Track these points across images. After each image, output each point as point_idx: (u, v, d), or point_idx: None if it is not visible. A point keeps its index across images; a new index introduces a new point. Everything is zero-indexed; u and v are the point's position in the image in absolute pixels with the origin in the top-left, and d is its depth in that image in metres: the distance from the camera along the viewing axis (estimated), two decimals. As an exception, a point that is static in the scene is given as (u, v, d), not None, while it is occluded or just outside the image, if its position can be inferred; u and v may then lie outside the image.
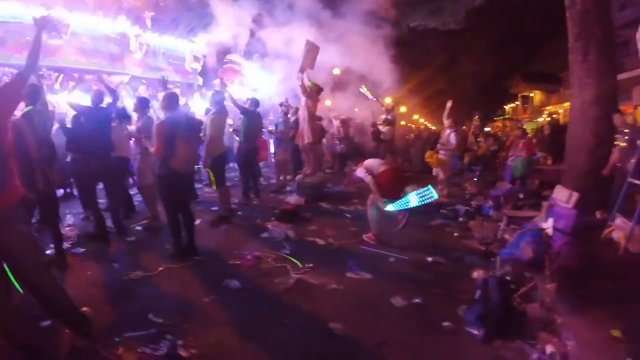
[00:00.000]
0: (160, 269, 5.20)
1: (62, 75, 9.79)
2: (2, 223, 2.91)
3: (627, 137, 6.46)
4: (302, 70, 9.37)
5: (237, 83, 11.94)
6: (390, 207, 6.17)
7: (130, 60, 12.74)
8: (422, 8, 19.99)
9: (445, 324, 3.87)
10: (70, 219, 7.58)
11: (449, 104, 10.54)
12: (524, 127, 13.23)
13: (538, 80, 36.04)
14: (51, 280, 3.33)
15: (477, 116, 17.20)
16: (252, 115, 8.52)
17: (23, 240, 3.09)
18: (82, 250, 5.92)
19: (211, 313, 4.15)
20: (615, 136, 6.76)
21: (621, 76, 6.38)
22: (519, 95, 42.22)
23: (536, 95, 39.14)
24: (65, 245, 5.81)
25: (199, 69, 15.70)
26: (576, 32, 7.17)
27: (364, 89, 10.17)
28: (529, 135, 11.58)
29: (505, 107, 46.77)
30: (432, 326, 3.87)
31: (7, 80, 3.12)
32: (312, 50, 9.64)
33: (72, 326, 3.39)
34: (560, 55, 8.01)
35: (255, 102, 8.88)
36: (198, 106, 12.12)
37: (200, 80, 15.95)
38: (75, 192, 8.65)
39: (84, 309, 3.55)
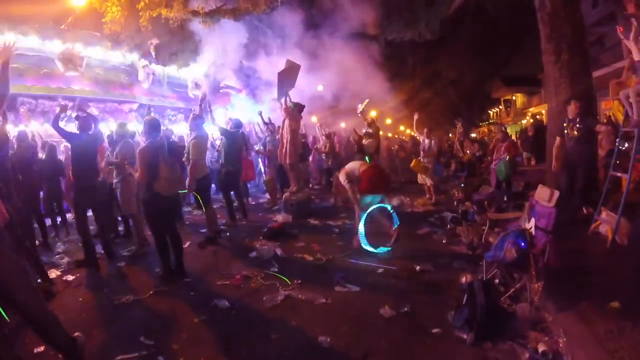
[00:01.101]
0: (151, 292, 5.22)
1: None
2: None
3: (578, 126, 6.43)
4: (283, 93, 9.46)
5: (231, 107, 12.14)
6: (371, 202, 6.36)
7: (138, 89, 13.45)
8: (398, 20, 20.22)
9: (434, 330, 3.87)
10: (61, 246, 7.58)
11: (415, 116, 11.29)
12: (507, 130, 13.35)
13: (518, 83, 36.53)
14: (42, 307, 3.32)
15: (460, 123, 17.34)
16: (232, 136, 8.52)
17: (11, 265, 3.09)
18: (73, 277, 5.93)
19: (201, 332, 4.16)
20: (565, 126, 6.69)
21: (598, 73, 6.44)
22: (501, 99, 42.72)
23: (518, 98, 39.65)
24: (56, 272, 5.97)
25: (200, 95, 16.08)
26: (547, 34, 7.30)
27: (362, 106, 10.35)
28: (511, 138, 11.71)
29: (489, 112, 47.25)
30: (420, 333, 3.87)
31: None
32: (292, 68, 9.70)
33: (65, 351, 3.39)
34: (537, 57, 8.13)
35: (237, 124, 8.91)
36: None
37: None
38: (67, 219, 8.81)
39: (76, 334, 3.56)
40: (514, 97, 40.42)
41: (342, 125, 16.99)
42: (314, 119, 13.72)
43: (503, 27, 22.60)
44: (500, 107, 44.11)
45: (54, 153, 8.26)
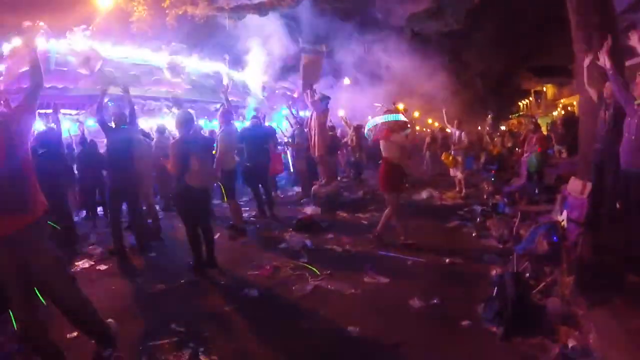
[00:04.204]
0: (182, 281, 5.35)
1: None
2: (27, 240, 3.01)
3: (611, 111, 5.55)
4: (308, 86, 9.48)
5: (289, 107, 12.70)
6: None
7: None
8: (422, 12, 20.03)
9: (464, 323, 3.86)
10: (93, 237, 7.81)
11: (443, 112, 11.18)
12: (538, 122, 13.08)
13: (548, 74, 35.44)
14: (77, 293, 3.42)
15: (489, 115, 17.09)
16: (250, 132, 8.62)
17: (48, 255, 3.20)
18: (106, 266, 6.15)
19: (231, 321, 4.26)
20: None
21: (631, 62, 6.16)
22: (532, 90, 41.72)
23: (548, 89, 38.61)
24: (90, 262, 6.24)
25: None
26: (577, 21, 7.10)
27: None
28: (542, 130, 11.48)
29: (519, 104, 46.28)
30: (450, 326, 3.87)
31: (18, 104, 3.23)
32: (314, 62, 9.74)
33: (97, 337, 3.50)
34: (567, 46, 7.92)
35: (257, 118, 9.02)
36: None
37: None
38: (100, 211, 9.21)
39: (109, 320, 3.67)
40: (544, 89, 39.42)
41: (369, 118, 17.00)
42: (341, 112, 13.73)
43: (530, 16, 22.04)
44: (531, 98, 43.09)
45: (94, 146, 8.66)
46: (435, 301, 4.33)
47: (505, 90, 38.20)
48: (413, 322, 4.01)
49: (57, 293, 3.24)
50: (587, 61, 5.57)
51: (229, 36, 17.12)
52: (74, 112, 11.63)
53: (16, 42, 10.23)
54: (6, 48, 10.50)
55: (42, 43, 10.11)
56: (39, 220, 3.12)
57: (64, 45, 11.20)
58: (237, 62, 17.53)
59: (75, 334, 3.82)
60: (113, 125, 6.59)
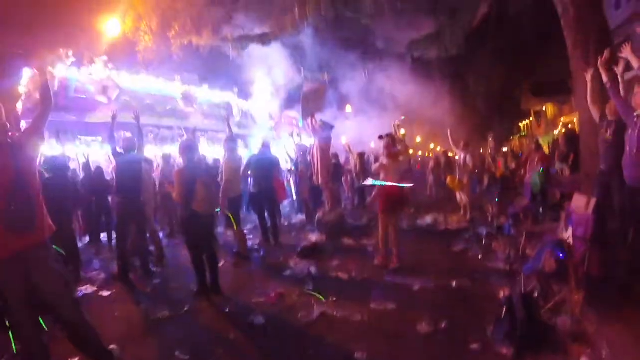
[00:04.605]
0: (186, 308, 5.33)
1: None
2: (35, 260, 3.05)
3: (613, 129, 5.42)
4: (310, 114, 9.57)
5: (293, 135, 12.86)
6: None
7: (232, 121, 15.41)
8: (422, 38, 20.33)
9: (474, 345, 3.81)
10: (97, 263, 7.88)
11: (448, 133, 10.92)
12: (539, 141, 13.09)
13: (547, 93, 35.63)
14: (81, 318, 3.43)
15: (491, 137, 17.10)
16: (259, 158, 8.66)
17: (55, 277, 3.22)
18: (110, 292, 6.18)
19: (237, 348, 4.24)
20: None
21: (629, 75, 6.12)
22: (532, 110, 41.89)
23: (548, 108, 38.73)
24: (93, 287, 6.29)
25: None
26: (573, 39, 7.20)
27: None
28: (544, 149, 11.46)
29: (519, 124, 46.42)
30: (460, 349, 3.83)
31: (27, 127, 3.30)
32: (315, 90, 9.88)
33: None
34: (564, 63, 7.99)
35: (265, 145, 9.02)
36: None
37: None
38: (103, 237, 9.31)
39: (112, 346, 3.68)
40: (544, 108, 39.57)
41: (372, 145, 17.10)
42: (343, 140, 13.81)
43: (527, 35, 22.32)
44: (531, 118, 43.27)
45: (101, 172, 8.89)
46: (443, 325, 4.27)
47: (506, 112, 38.36)
48: (422, 346, 3.96)
49: (62, 314, 3.27)
50: (589, 77, 5.58)
51: (236, 67, 17.54)
52: (90, 138, 11.93)
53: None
54: (27, 73, 10.79)
55: (64, 71, 10.75)
56: (45, 241, 3.17)
57: (84, 73, 11.70)
58: (244, 91, 18.04)
59: (77, 358, 3.79)
60: (122, 151, 6.71)
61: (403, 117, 10.76)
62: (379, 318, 4.67)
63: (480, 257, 6.78)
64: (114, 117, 6.79)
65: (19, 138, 3.16)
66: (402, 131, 16.25)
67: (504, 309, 3.90)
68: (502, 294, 4.75)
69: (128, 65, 13.96)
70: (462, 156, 10.46)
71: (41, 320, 3.19)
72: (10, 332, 3.36)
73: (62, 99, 10.84)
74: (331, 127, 9.94)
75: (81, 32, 13.66)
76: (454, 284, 5.51)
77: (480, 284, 5.50)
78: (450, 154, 13.32)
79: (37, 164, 3.36)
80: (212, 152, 12.08)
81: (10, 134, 3.16)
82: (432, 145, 33.25)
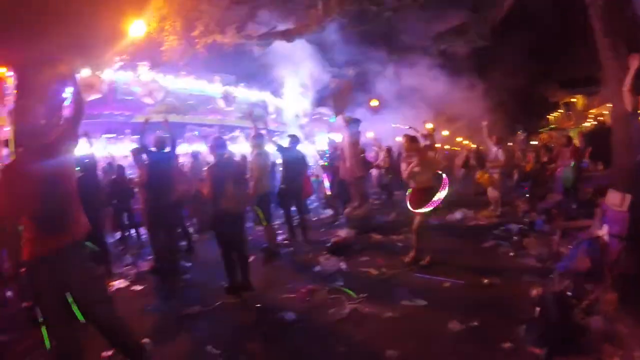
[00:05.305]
0: (217, 303, 5.42)
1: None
2: (70, 259, 3.15)
3: None
4: (339, 110, 9.59)
5: (324, 131, 13.11)
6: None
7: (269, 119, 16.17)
8: (448, 30, 20.08)
9: (506, 345, 3.78)
10: (128, 258, 8.11)
11: (484, 124, 10.54)
12: (570, 134, 12.82)
13: (577, 85, 34.75)
14: (114, 313, 3.54)
15: (520, 131, 16.83)
16: (289, 153, 8.67)
17: (89, 275, 3.34)
18: (141, 287, 6.38)
19: (268, 345, 4.30)
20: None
21: None
22: (560, 102, 40.91)
23: (578, 100, 37.70)
24: (125, 282, 6.52)
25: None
26: (602, 29, 6.99)
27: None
28: (575, 143, 11.19)
29: (548, 117, 45.40)
30: (491, 348, 3.80)
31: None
32: (342, 86, 9.88)
33: (133, 356, 3.57)
34: (593, 55, 7.79)
35: (295, 140, 9.04)
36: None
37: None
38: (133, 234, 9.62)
39: (144, 340, 3.76)
40: (573, 100, 38.61)
41: (397, 139, 17.06)
42: (370, 134, 13.76)
43: (554, 25, 21.80)
44: (560, 110, 42.26)
45: (122, 172, 9.08)
46: (475, 323, 4.25)
47: (534, 104, 37.59)
48: (453, 345, 3.95)
49: (95, 311, 3.34)
50: (635, 62, 5.27)
51: (268, 66, 17.69)
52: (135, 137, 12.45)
53: (85, 72, 11.12)
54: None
55: (111, 74, 11.47)
56: (80, 239, 3.26)
57: (130, 77, 12.45)
58: (276, 90, 18.37)
59: (110, 352, 3.95)
60: (154, 149, 6.87)
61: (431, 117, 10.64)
62: (409, 315, 4.67)
63: (511, 254, 6.68)
64: (147, 122, 7.05)
65: (53, 140, 3.24)
66: (430, 125, 16.16)
67: (537, 309, 3.86)
68: (534, 293, 4.68)
69: (171, 69, 14.48)
70: (494, 150, 10.26)
71: (76, 314, 3.28)
72: (43, 328, 3.46)
73: (111, 101, 11.70)
74: (358, 122, 9.92)
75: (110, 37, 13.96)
76: (485, 281, 5.45)
77: (512, 281, 5.41)
78: (481, 148, 13.07)
79: (72, 164, 3.45)
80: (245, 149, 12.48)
81: (45, 136, 3.25)
82: (459, 139, 32.76)
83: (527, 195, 10.63)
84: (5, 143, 7.74)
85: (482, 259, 6.63)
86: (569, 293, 4.42)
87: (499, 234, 7.88)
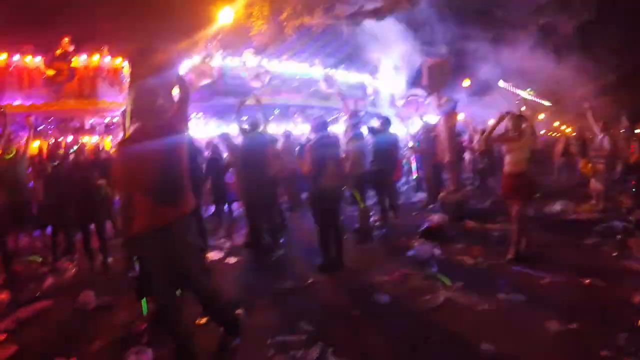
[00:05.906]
0: (310, 280, 5.65)
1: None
2: (177, 232, 3.43)
3: None
4: (434, 90, 9.45)
5: (419, 115, 13.08)
6: None
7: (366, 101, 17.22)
8: (549, 3, 18.85)
9: (603, 353, 3.67)
10: (222, 232, 8.62)
11: (587, 108, 9.95)
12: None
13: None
14: (211, 284, 3.89)
15: (624, 116, 15.59)
16: (381, 135, 8.70)
17: (191, 246, 3.68)
18: (235, 259, 6.78)
19: (360, 325, 4.43)
20: None
21: None
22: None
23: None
24: (220, 254, 6.95)
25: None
26: None
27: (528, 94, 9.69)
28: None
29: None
30: (588, 355, 3.71)
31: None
32: (436, 65, 9.71)
33: (227, 326, 3.89)
34: None
35: (387, 122, 9.01)
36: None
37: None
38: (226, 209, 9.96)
39: (238, 311, 4.08)
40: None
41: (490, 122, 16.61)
42: (461, 116, 13.40)
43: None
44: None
45: (217, 151, 9.47)
46: (573, 326, 4.15)
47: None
48: (550, 346, 3.90)
49: (196, 282, 3.66)
50: None
51: (361, 47, 17.81)
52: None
53: (196, 59, 12.25)
54: (186, 64, 12.32)
55: (218, 60, 12.51)
56: (187, 214, 3.55)
57: (237, 62, 13.44)
58: (370, 71, 18.45)
59: (203, 320, 4.27)
60: (248, 129, 7.22)
61: (529, 90, 10.00)
62: (506, 310, 4.63)
63: (614, 254, 6.33)
64: (242, 103, 7.49)
65: (170, 120, 3.49)
66: (523, 108, 15.52)
67: (640, 319, 3.76)
68: (638, 300, 4.55)
69: (276, 53, 15.50)
70: (600, 138, 9.59)
71: (179, 283, 3.55)
72: (143, 299, 3.83)
73: (221, 85, 12.67)
74: (455, 102, 9.73)
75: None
76: (586, 281, 5.26)
77: (614, 284, 5.17)
78: (585, 135, 12.27)
79: (185, 144, 3.68)
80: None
81: (161, 115, 3.49)
82: (556, 124, 30.88)
83: (633, 190, 9.97)
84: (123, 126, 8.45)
85: (582, 257, 6.35)
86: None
87: (601, 231, 7.47)
